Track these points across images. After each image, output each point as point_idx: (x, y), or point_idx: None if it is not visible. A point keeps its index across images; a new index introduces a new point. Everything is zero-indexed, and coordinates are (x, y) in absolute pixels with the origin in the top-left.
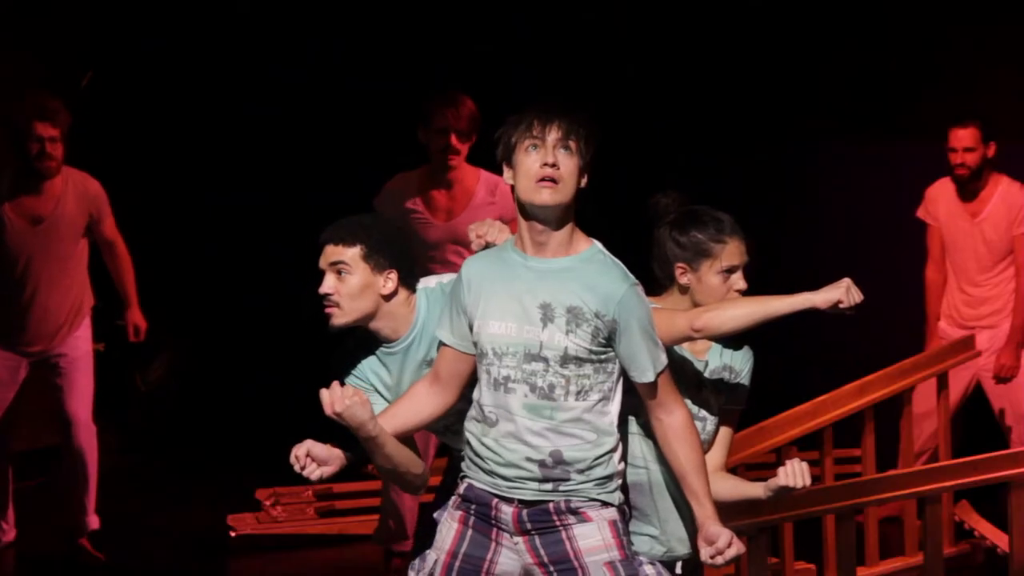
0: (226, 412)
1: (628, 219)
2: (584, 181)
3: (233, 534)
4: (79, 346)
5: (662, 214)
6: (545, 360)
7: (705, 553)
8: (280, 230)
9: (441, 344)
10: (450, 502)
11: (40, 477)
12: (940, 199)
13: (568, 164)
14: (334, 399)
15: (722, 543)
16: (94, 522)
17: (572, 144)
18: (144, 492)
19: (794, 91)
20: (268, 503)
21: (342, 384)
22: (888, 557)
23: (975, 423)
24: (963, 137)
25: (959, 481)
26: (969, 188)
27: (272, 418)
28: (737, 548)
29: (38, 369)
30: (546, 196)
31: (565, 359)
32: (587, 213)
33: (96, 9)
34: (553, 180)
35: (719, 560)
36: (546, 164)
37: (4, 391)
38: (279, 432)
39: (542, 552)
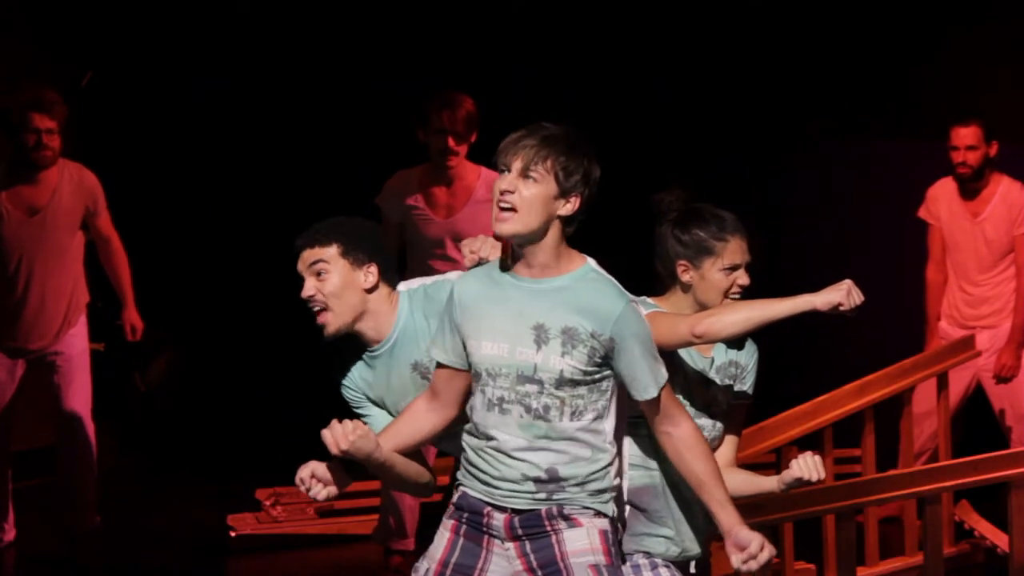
0: (226, 412)
1: (630, 219)
2: (567, 207)
3: (233, 534)
4: (75, 344)
5: (664, 212)
6: (540, 382)
7: (737, 560)
8: (280, 229)
9: (437, 363)
10: (446, 511)
11: (40, 477)
12: (941, 199)
13: (527, 193)
14: (337, 439)
15: (755, 548)
16: (94, 521)
17: (535, 173)
18: (144, 492)
19: (794, 91)
20: (268, 503)
21: (340, 392)
22: (888, 557)
23: (975, 423)
24: (965, 135)
25: (959, 481)
26: (970, 187)
27: (272, 418)
28: (769, 552)
29: (35, 368)
30: (501, 227)
31: (560, 382)
32: (588, 214)
33: (96, 9)
34: (512, 209)
35: (753, 565)
36: (504, 191)
37: (3, 390)
38: (279, 432)
39: (532, 557)
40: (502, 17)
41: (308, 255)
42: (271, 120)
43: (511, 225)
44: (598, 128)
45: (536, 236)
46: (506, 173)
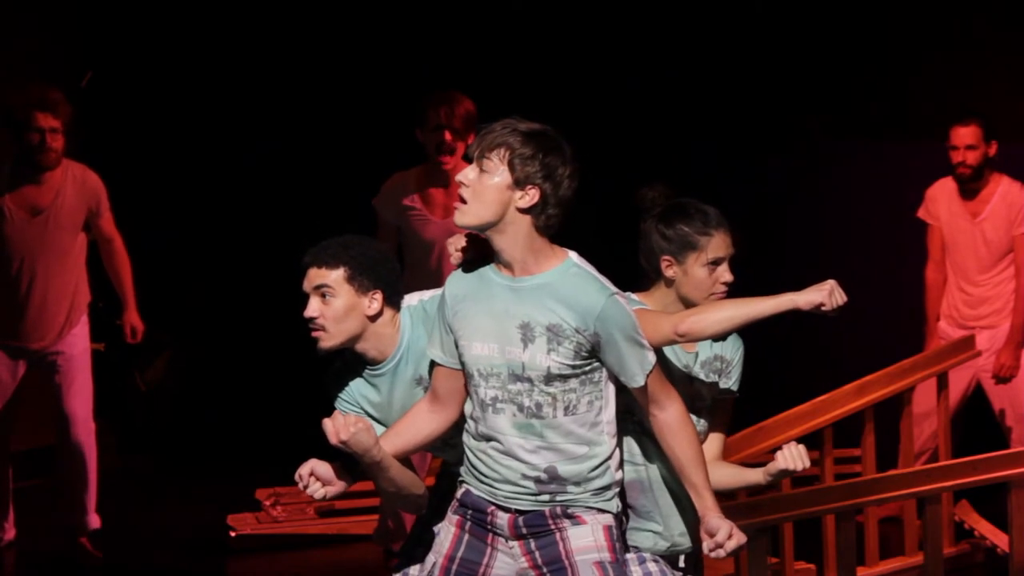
0: (226, 412)
1: (629, 218)
2: (524, 199)
3: (233, 534)
4: (76, 344)
5: (648, 207)
6: (529, 380)
7: (706, 546)
8: (280, 230)
9: (434, 363)
10: (449, 507)
11: (40, 477)
12: (941, 199)
13: (478, 182)
14: (338, 428)
15: (722, 536)
16: (94, 521)
17: (489, 162)
18: (144, 492)
19: (794, 91)
20: (268, 503)
21: (333, 407)
22: (888, 557)
23: (975, 423)
24: (964, 135)
25: (959, 481)
26: (970, 187)
27: (272, 418)
28: (738, 540)
29: (36, 367)
30: (456, 217)
31: (549, 378)
32: (565, 212)
33: (96, 9)
34: (462, 200)
35: (720, 553)
36: (459, 181)
37: (4, 389)
38: (279, 432)
39: (537, 555)
40: (502, 18)
41: (314, 275)
42: (270, 121)
43: (463, 215)
44: (597, 127)
45: (495, 228)
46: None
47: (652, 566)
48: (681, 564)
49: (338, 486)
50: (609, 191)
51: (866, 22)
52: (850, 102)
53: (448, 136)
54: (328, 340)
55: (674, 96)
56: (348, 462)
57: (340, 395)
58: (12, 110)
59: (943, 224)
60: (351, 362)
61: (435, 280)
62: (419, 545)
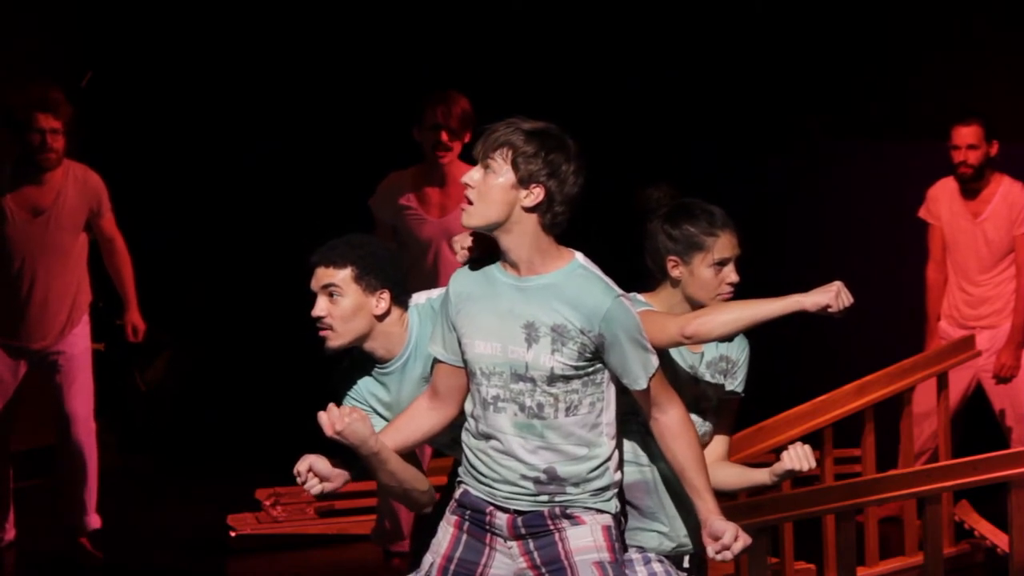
0: (226, 412)
1: (629, 218)
2: (529, 198)
3: (233, 534)
4: (77, 343)
5: (653, 208)
6: (532, 380)
7: (711, 549)
8: (281, 230)
9: (436, 360)
10: (448, 507)
11: (40, 477)
12: (942, 198)
13: (483, 183)
14: (333, 419)
15: (728, 538)
16: (94, 521)
17: (493, 162)
18: (144, 492)
19: (794, 91)
20: (268, 503)
21: (339, 406)
22: (888, 557)
23: (975, 423)
24: (966, 135)
25: (959, 481)
26: (971, 187)
27: (272, 418)
28: (744, 541)
29: (37, 367)
30: (463, 218)
31: (552, 378)
32: (572, 210)
33: (96, 9)
34: (468, 201)
35: (727, 555)
36: (465, 183)
37: (5, 389)
38: (279, 432)
39: (535, 555)
40: (502, 18)
41: (322, 274)
42: (270, 121)
43: (469, 217)
44: (597, 127)
45: (502, 228)
46: (476, 161)
47: (657, 566)
48: (686, 564)
49: (336, 482)
50: (610, 191)
51: (866, 22)
52: (850, 102)
53: (444, 136)
54: (336, 339)
55: (674, 96)
56: (348, 458)
57: (348, 394)
58: (13, 110)
59: (944, 224)
60: (359, 361)
61: (432, 280)
62: (427, 547)
